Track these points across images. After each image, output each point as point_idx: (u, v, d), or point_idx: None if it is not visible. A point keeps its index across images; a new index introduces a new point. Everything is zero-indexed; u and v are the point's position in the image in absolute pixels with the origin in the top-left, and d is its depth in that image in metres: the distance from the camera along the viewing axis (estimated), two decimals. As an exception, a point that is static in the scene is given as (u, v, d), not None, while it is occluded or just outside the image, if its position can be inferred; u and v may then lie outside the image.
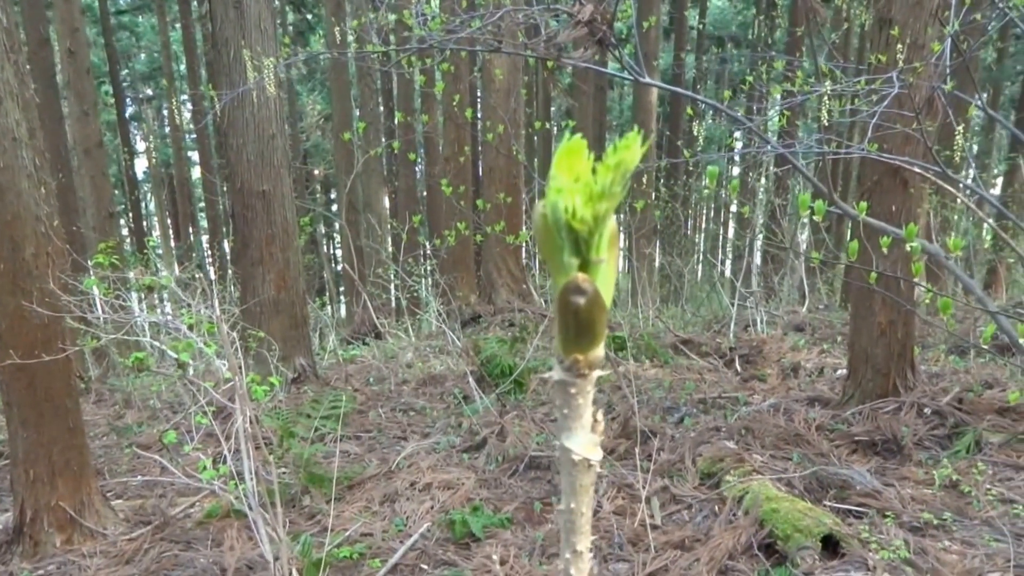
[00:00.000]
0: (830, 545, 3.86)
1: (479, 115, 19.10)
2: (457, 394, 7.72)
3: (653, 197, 15.58)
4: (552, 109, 27.70)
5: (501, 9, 4.07)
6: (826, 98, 3.93)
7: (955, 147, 11.25)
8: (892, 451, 5.33)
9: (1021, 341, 3.05)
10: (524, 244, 12.91)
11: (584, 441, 0.68)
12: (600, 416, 0.69)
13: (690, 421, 6.34)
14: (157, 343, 6.60)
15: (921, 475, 4.99)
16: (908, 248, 2.56)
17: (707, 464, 5.18)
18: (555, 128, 27.29)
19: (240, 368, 3.56)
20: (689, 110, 12.67)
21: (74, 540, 4.81)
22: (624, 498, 4.94)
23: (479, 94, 20.43)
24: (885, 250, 2.71)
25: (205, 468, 3.93)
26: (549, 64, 4.30)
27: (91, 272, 5.01)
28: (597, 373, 0.66)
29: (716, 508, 4.64)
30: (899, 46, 4.50)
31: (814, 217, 2.65)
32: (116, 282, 5.58)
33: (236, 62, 7.53)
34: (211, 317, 3.97)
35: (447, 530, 4.71)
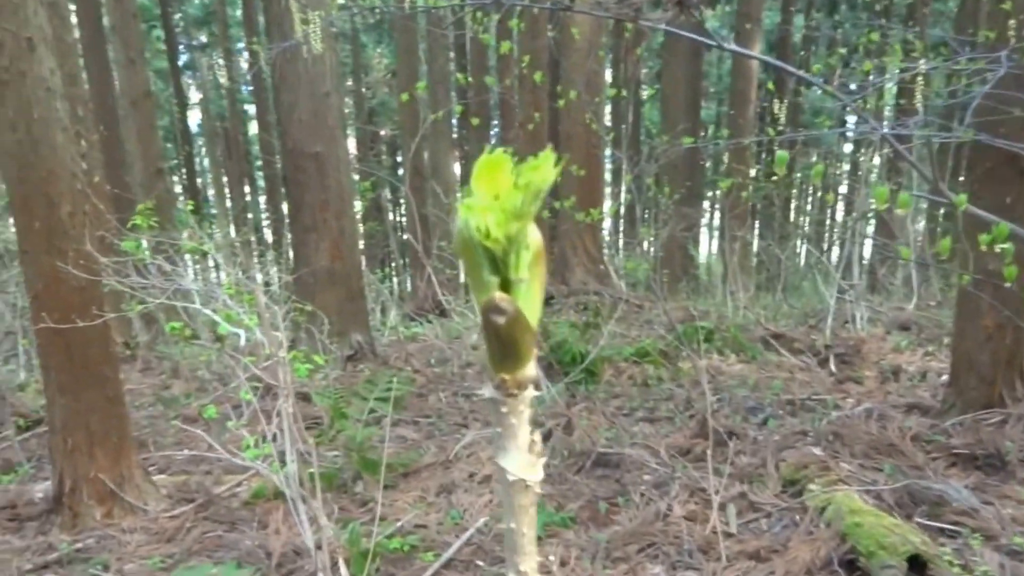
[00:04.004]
0: (917, 566, 3.87)
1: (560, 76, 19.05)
2: (523, 381, 7.81)
3: (751, 175, 15.41)
4: (644, 71, 27.49)
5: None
6: (920, 79, 3.89)
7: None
8: (995, 467, 5.29)
9: None
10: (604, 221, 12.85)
11: (520, 461, 0.74)
12: (538, 437, 0.74)
13: (774, 423, 6.37)
14: (207, 310, 6.81)
15: (1026, 495, 4.95)
16: (998, 249, 2.55)
17: (790, 471, 5.21)
18: (644, 91, 27.11)
19: (282, 343, 3.68)
20: (770, 85, 12.35)
21: (114, 514, 5.02)
22: (697, 503, 5.00)
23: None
24: (984, 247, 2.69)
25: (248, 447, 4.10)
26: (625, 26, 4.33)
27: (123, 235, 5.15)
28: (530, 393, 0.72)
29: (796, 518, 4.69)
30: (1011, 21, 4.41)
31: (895, 208, 2.65)
32: (163, 244, 5.77)
33: (288, 11, 7.66)
34: (252, 287, 4.11)
35: (505, 526, 4.81)
